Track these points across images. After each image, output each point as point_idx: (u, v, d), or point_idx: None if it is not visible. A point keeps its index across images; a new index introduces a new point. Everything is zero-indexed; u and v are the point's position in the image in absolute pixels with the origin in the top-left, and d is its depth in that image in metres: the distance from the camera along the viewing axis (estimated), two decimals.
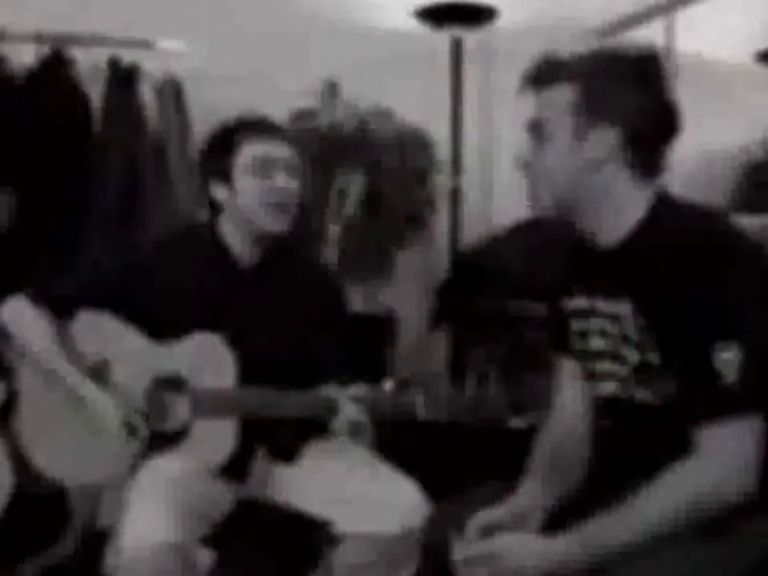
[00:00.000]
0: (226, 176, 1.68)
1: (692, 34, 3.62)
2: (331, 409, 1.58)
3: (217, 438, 1.62)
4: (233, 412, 1.62)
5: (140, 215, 2.67)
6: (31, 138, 2.60)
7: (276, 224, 1.66)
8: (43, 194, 2.59)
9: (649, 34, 3.58)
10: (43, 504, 1.83)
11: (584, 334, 1.37)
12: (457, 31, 3.09)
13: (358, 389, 1.59)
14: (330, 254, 2.66)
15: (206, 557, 1.58)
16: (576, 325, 1.38)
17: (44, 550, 2.09)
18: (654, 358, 1.24)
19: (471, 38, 3.14)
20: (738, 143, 3.82)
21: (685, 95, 3.67)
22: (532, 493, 1.34)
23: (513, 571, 1.19)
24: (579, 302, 1.37)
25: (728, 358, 1.14)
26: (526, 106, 1.38)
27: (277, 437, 1.76)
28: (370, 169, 2.95)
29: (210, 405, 1.62)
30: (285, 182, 1.65)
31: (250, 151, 1.65)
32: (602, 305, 1.32)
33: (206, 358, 1.63)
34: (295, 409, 1.62)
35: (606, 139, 1.26)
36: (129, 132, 2.72)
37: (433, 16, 3.02)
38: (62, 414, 1.67)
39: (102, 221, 2.65)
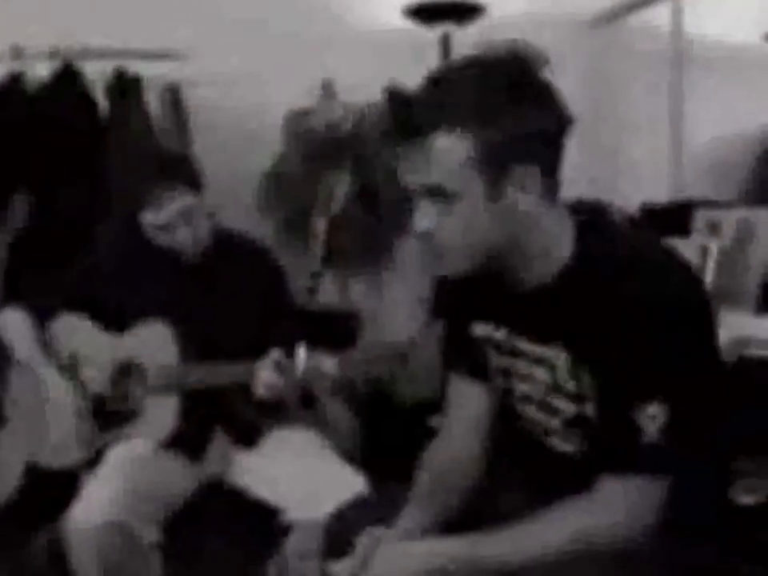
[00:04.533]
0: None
1: (700, 16, 3.61)
2: (252, 374, 1.74)
3: (162, 414, 1.81)
4: (175, 387, 1.81)
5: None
6: (45, 147, 2.82)
7: (187, 257, 1.89)
8: (56, 198, 2.83)
9: (653, 19, 3.61)
10: (55, 480, 1.98)
11: (507, 373, 1.27)
12: (447, 28, 3.15)
13: (274, 354, 1.72)
14: (317, 248, 2.83)
15: (154, 536, 1.70)
16: (496, 360, 1.27)
17: (55, 521, 2.35)
18: (590, 410, 1.15)
19: (463, 32, 3.17)
20: (752, 127, 3.78)
21: (695, 79, 3.71)
22: (413, 516, 1.25)
23: (380, 571, 1.14)
24: (495, 334, 1.25)
25: (651, 415, 1.07)
26: None
27: (236, 420, 1.93)
28: (366, 165, 3.07)
29: (157, 383, 1.82)
30: (183, 234, 1.85)
31: (148, 219, 1.85)
32: (529, 347, 1.20)
33: (155, 342, 1.84)
34: (223, 378, 1.79)
35: (528, 185, 1.08)
36: (134, 138, 2.93)
37: (423, 13, 3.10)
38: (40, 404, 1.89)
39: (110, 221, 2.89)
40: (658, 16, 3.57)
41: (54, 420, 1.89)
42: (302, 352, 1.69)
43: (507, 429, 1.32)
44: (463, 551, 1.12)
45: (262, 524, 1.83)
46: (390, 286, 3.44)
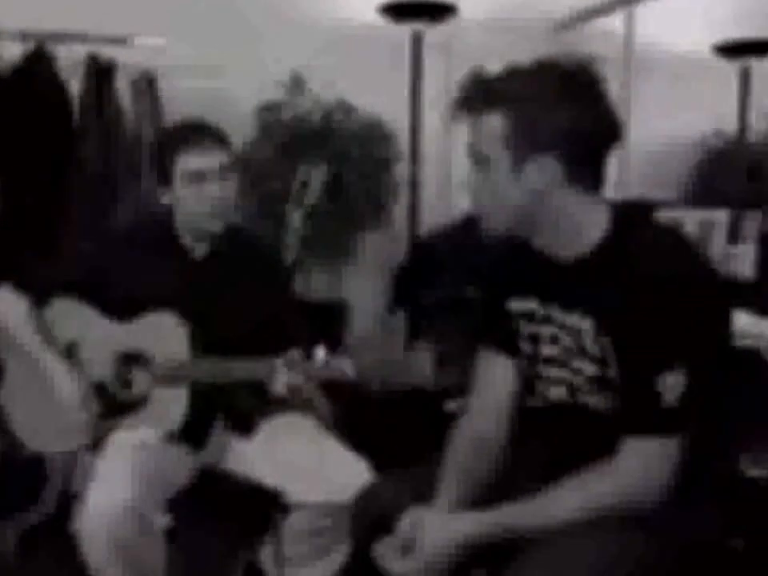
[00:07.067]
0: (167, 182, 1.84)
1: (652, 26, 3.79)
2: (269, 373, 1.73)
3: (171, 405, 1.81)
4: (185, 380, 1.81)
5: (115, 203, 2.88)
6: (15, 131, 2.79)
7: (212, 226, 1.85)
8: (26, 184, 2.79)
9: (609, 26, 3.76)
10: (24, 469, 2.04)
11: (534, 338, 1.37)
12: (418, 26, 3.23)
13: (293, 354, 1.71)
14: (291, 240, 2.87)
15: (163, 521, 1.73)
16: (526, 328, 1.38)
17: (24, 511, 2.27)
18: (612, 373, 1.25)
19: (433, 32, 3.28)
20: (695, 134, 3.95)
21: (644, 86, 3.86)
22: (450, 490, 1.35)
23: (427, 548, 1.25)
24: (530, 306, 1.36)
25: (671, 383, 1.17)
26: None
27: (235, 409, 1.95)
28: (334, 159, 3.11)
29: (165, 375, 1.81)
30: (217, 190, 1.80)
31: (184, 164, 1.79)
32: (558, 314, 1.32)
33: (162, 333, 1.82)
34: (238, 374, 1.78)
35: (545, 169, 1.22)
36: (105, 124, 2.91)
37: (395, 11, 3.17)
38: (39, 389, 1.86)
39: (80, 208, 2.87)
40: (614, 23, 3.74)
41: (53, 406, 1.86)
42: (320, 353, 1.70)
43: (533, 393, 1.40)
44: (500, 521, 1.24)
45: (255, 508, 1.87)
46: (353, 277, 3.51)
